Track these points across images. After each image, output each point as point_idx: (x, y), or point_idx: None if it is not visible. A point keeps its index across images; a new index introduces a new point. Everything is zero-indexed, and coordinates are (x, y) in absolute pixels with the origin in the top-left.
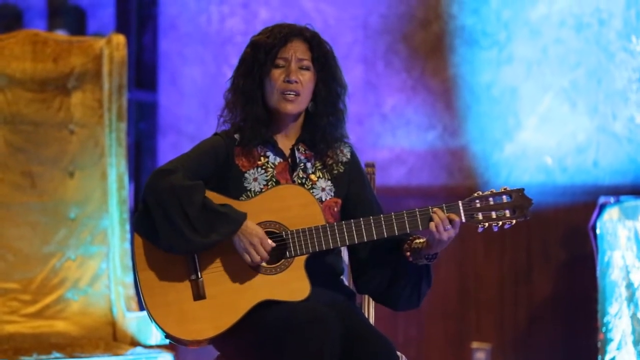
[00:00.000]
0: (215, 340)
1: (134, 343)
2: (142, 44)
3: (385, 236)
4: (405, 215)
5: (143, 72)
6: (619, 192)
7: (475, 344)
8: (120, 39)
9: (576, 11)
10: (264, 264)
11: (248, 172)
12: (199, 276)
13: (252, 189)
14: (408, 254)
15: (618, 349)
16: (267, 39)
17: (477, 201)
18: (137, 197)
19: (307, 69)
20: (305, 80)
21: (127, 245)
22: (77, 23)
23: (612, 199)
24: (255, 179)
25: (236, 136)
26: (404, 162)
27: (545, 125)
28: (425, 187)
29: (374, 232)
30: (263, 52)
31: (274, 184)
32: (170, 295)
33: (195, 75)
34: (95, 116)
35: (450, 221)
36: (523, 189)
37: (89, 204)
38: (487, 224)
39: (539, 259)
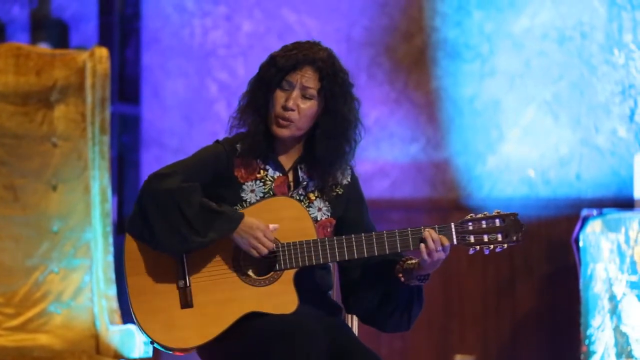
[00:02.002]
0: (201, 349)
1: (117, 356)
2: (125, 57)
3: (376, 254)
4: (397, 234)
5: (126, 85)
6: (601, 204)
7: (459, 356)
8: (103, 52)
9: (559, 24)
10: (253, 274)
11: (246, 183)
12: (187, 284)
13: (249, 200)
14: (400, 275)
15: None
16: (281, 58)
17: (470, 224)
18: (120, 210)
19: (311, 98)
20: (305, 108)
21: (110, 258)
22: (60, 36)
23: (594, 212)
24: (252, 191)
25: (238, 146)
26: (387, 175)
27: (528, 138)
28: (409, 199)
29: (365, 249)
30: (274, 70)
31: (270, 197)
32: (158, 302)
33: (178, 89)
34: (78, 129)
35: (442, 243)
36: (516, 214)
37: (72, 217)
38: (478, 247)
39: (522, 272)
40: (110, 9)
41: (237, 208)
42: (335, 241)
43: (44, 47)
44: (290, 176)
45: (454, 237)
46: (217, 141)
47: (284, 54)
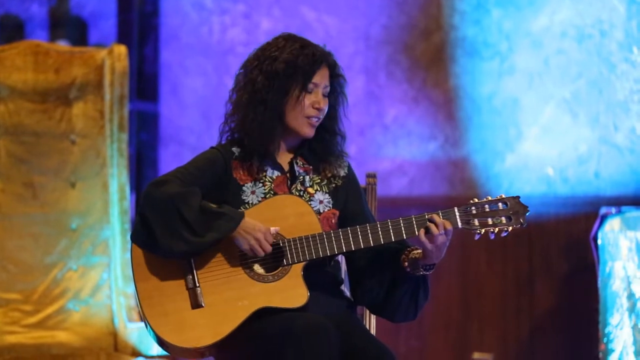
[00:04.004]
0: (218, 353)
1: (135, 353)
2: (144, 55)
3: (382, 242)
4: (401, 221)
5: (144, 83)
6: (620, 202)
7: (476, 355)
8: (121, 50)
9: (577, 22)
10: (262, 271)
11: (246, 185)
12: (197, 285)
13: (250, 202)
14: (406, 264)
15: (619, 359)
16: (303, 61)
17: (473, 208)
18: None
19: (327, 95)
20: (326, 106)
21: (129, 256)
22: (78, 34)
23: (613, 210)
24: (253, 192)
25: (234, 149)
26: (405, 173)
27: (547, 136)
28: (427, 197)
29: (370, 238)
30: (300, 74)
31: (271, 197)
32: (168, 304)
33: (197, 86)
34: (97, 127)
35: (445, 227)
36: (519, 197)
37: (91, 214)
38: (483, 230)
39: (540, 270)
40: (129, 6)
41: (240, 210)
42: (340, 232)
43: (62, 45)
44: (289, 173)
45: (458, 220)
46: (212, 147)
47: (299, 55)
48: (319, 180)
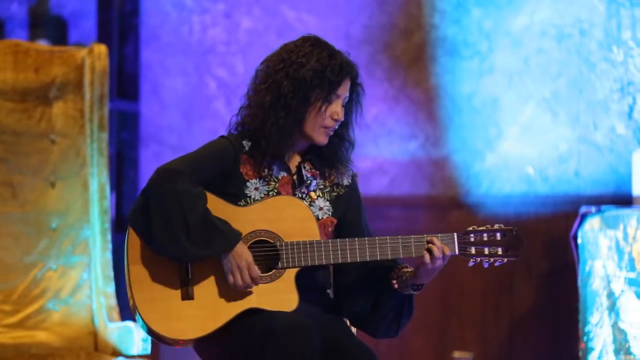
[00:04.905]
0: (198, 344)
1: (116, 353)
2: (124, 54)
3: (378, 258)
4: (400, 240)
5: (125, 82)
6: (600, 201)
7: (457, 354)
8: (102, 49)
9: (557, 21)
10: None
11: (250, 181)
12: (190, 277)
13: (252, 197)
14: (394, 281)
15: (599, 358)
16: (331, 73)
17: (472, 235)
18: (119, 208)
19: (344, 105)
20: (343, 117)
21: (109, 255)
22: (58, 33)
23: (593, 209)
24: (256, 189)
25: (244, 143)
26: (386, 172)
27: (527, 135)
28: (407, 197)
29: (367, 253)
30: (327, 85)
31: (274, 195)
32: (159, 291)
33: (177, 86)
34: (77, 126)
35: (443, 252)
36: (517, 229)
37: (71, 214)
38: (478, 259)
39: (520, 269)
40: (109, 5)
41: (241, 204)
42: (338, 243)
43: (42, 44)
44: (295, 176)
45: (456, 247)
46: (222, 136)
47: (327, 65)
48: (322, 187)
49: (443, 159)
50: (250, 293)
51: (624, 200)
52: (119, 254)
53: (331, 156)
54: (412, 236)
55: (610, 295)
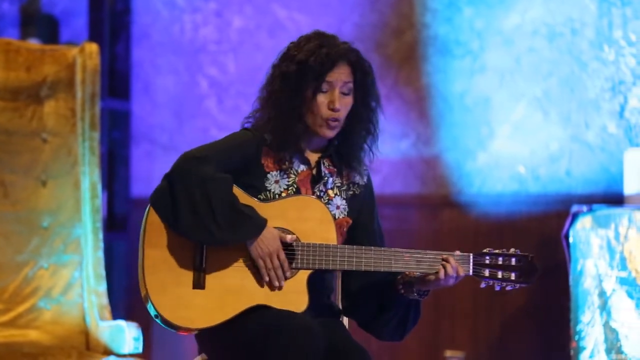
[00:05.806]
0: (200, 336)
1: (107, 352)
2: (115, 53)
3: (392, 270)
4: (415, 255)
5: (116, 81)
6: (591, 200)
7: (449, 353)
8: (93, 48)
9: (549, 21)
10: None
11: (271, 173)
12: (203, 266)
13: (272, 190)
14: (400, 286)
15: (591, 357)
16: (314, 61)
17: (487, 257)
18: (110, 206)
19: (349, 92)
20: (346, 105)
21: (100, 254)
22: (50, 32)
23: (584, 208)
24: (276, 182)
25: (266, 136)
26: (378, 171)
27: (518, 134)
28: (399, 195)
29: (382, 264)
30: (312, 75)
31: (294, 190)
32: (171, 277)
33: (168, 84)
34: (68, 125)
35: (458, 272)
36: (533, 256)
37: (62, 212)
38: (491, 282)
39: None
40: (101, 4)
41: (261, 197)
42: (354, 250)
43: (33, 43)
44: (314, 170)
45: (471, 268)
46: (245, 128)
47: (314, 54)
48: (339, 184)
49: (435, 158)
50: (261, 289)
51: (615, 199)
52: (110, 253)
53: (347, 154)
54: (428, 251)
55: (602, 294)
